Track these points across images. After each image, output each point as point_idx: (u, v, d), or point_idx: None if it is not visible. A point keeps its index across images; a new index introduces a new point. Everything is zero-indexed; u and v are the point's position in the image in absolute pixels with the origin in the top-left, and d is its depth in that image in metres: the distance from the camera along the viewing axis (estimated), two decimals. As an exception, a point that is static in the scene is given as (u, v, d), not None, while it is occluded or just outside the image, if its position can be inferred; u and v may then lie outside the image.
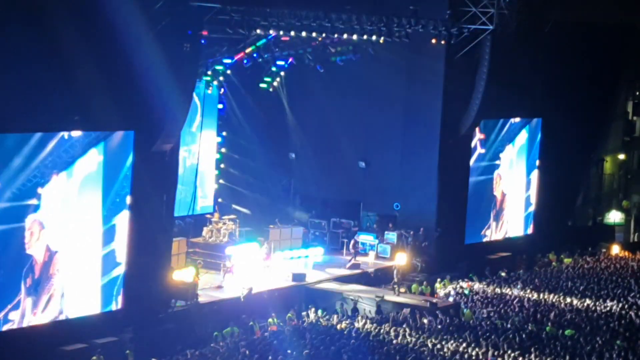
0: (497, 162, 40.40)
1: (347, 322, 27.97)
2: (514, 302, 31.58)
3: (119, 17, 25.33)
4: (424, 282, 34.21)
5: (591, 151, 46.36)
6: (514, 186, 41.66)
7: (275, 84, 38.71)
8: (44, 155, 24.79)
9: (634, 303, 31.73)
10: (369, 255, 36.87)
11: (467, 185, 38.73)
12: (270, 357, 23.90)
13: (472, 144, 38.67)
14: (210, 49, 32.83)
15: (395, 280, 33.13)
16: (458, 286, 33.86)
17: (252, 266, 33.21)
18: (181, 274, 29.48)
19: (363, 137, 38.80)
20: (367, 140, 38.82)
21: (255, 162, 39.25)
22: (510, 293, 33.04)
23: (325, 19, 32.49)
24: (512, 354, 24.79)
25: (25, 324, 24.90)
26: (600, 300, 31.93)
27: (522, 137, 41.68)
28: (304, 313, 29.19)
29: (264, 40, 33.91)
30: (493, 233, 40.78)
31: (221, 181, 38.61)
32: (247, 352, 24.34)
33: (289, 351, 24.42)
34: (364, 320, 27.99)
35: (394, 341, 25.89)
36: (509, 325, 28.22)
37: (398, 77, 37.51)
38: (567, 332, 27.56)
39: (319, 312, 29.15)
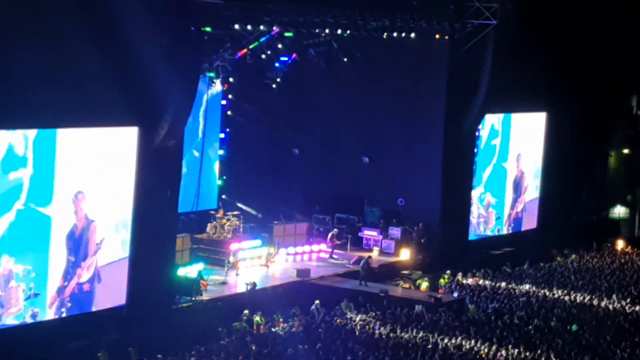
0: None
1: (360, 318, 27.92)
2: (519, 297, 31.56)
3: (122, 13, 25.31)
4: (410, 280, 34.09)
5: (596, 145, 46.28)
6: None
7: (278, 79, 38.65)
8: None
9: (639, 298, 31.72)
10: (373, 250, 36.85)
11: (472, 181, 38.70)
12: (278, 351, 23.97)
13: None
14: (213, 45, 32.78)
15: (362, 272, 32.96)
16: (463, 281, 33.85)
17: (256, 262, 33.31)
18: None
19: (367, 132, 38.76)
20: (371, 135, 38.77)
21: (259, 157, 39.21)
22: (514, 288, 33.01)
23: (329, 15, 32.46)
24: (519, 350, 24.81)
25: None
26: (605, 296, 31.89)
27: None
28: (312, 308, 29.13)
29: (267, 36, 33.87)
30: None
31: (224, 177, 38.58)
32: (254, 347, 24.36)
33: (300, 346, 24.41)
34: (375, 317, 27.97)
35: (406, 337, 25.90)
36: (516, 321, 28.18)
37: (402, 72, 37.45)
38: (574, 327, 27.53)
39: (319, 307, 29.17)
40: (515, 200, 41.45)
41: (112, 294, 26.97)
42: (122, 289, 27.19)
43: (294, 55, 36.88)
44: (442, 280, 34.16)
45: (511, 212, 41.31)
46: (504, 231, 41.03)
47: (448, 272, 34.65)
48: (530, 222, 42.50)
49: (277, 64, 37.21)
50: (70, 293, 25.92)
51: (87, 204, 25.85)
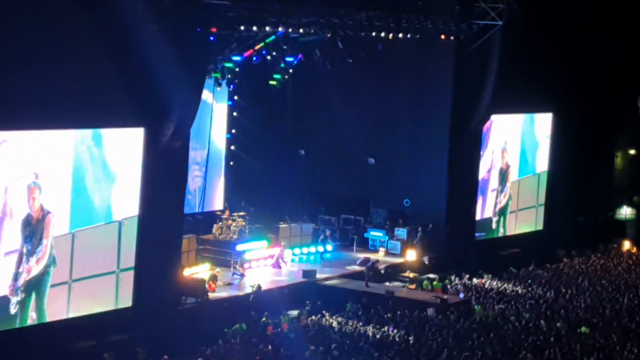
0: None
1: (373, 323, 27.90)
2: (525, 298, 31.50)
3: (128, 14, 25.32)
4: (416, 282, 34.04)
5: (602, 146, 46.20)
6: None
7: (284, 81, 38.64)
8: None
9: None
10: (379, 251, 36.84)
11: (477, 181, 38.66)
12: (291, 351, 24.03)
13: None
14: (219, 46, 32.77)
15: (366, 272, 33.03)
16: (469, 282, 33.83)
17: (262, 264, 33.31)
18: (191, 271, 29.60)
19: (372, 133, 38.75)
20: (376, 136, 38.76)
21: (265, 158, 39.22)
22: (520, 289, 32.96)
23: (334, 16, 32.45)
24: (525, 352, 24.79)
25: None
26: (612, 297, 31.83)
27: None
28: (326, 313, 29.13)
29: (272, 37, 33.85)
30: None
31: (230, 178, 38.58)
32: (270, 347, 24.35)
33: (312, 347, 24.39)
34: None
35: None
36: (524, 322, 28.12)
37: (407, 73, 37.44)
38: (583, 329, 27.46)
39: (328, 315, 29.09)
40: (500, 192, 41.09)
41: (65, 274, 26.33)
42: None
43: (299, 56, 36.87)
44: (446, 282, 34.13)
45: (497, 201, 41.01)
46: (493, 225, 40.74)
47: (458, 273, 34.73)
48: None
49: (282, 65, 37.23)
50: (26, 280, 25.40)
51: (41, 195, 25.26)
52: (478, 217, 39.13)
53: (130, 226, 27.24)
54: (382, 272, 34.63)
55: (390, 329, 26.85)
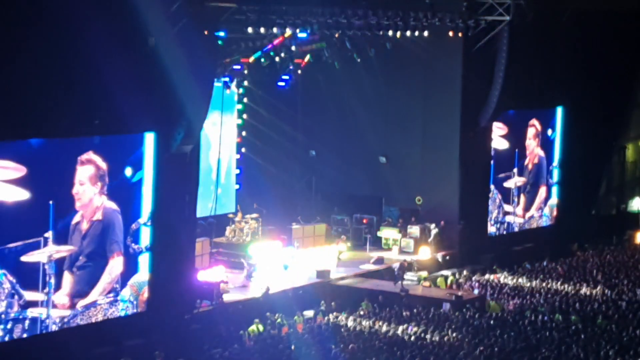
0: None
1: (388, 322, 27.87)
2: (541, 293, 31.45)
3: (135, 18, 25.38)
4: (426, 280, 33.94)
5: (613, 139, 46.08)
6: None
7: (293, 82, 38.66)
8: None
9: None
10: (392, 250, 36.83)
11: (489, 177, 38.64)
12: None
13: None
14: (227, 49, 32.83)
15: (397, 273, 32.97)
16: (483, 278, 33.80)
17: (273, 265, 33.31)
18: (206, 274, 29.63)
19: (383, 132, 38.76)
20: (387, 135, 38.77)
21: (276, 160, 39.25)
22: (535, 284, 32.92)
23: (342, 15, 32.49)
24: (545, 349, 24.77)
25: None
26: (627, 290, 31.74)
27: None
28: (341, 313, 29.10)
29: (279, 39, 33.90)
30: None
31: (241, 181, 38.65)
32: (293, 347, 24.38)
33: (333, 346, 24.43)
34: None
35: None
36: (540, 317, 28.08)
37: (416, 71, 37.45)
38: (599, 322, 27.41)
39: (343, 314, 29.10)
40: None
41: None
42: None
43: (307, 56, 36.84)
44: (460, 278, 34.10)
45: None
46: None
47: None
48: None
49: (291, 66, 37.19)
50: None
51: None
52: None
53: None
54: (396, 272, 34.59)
55: (407, 326, 26.83)
